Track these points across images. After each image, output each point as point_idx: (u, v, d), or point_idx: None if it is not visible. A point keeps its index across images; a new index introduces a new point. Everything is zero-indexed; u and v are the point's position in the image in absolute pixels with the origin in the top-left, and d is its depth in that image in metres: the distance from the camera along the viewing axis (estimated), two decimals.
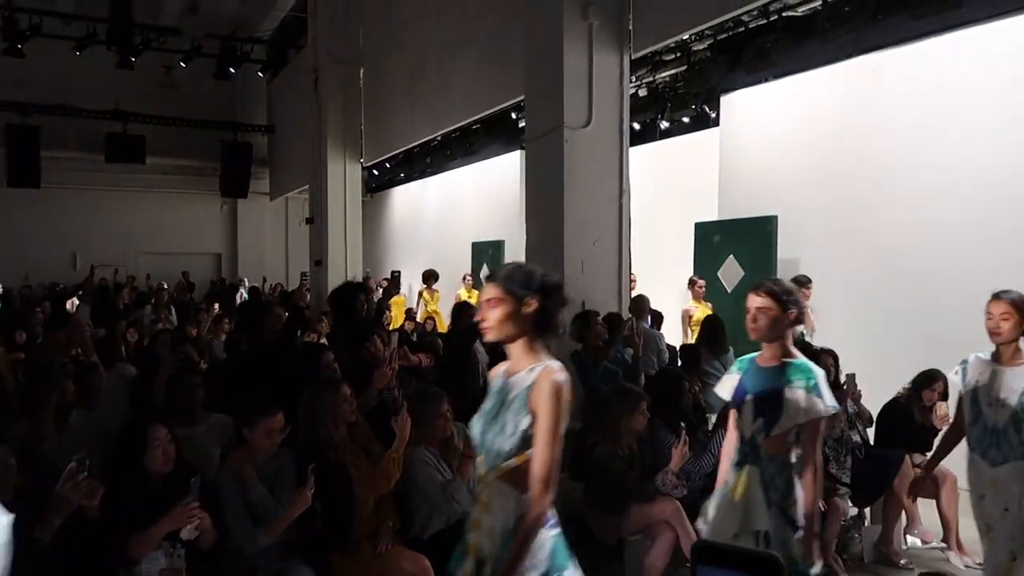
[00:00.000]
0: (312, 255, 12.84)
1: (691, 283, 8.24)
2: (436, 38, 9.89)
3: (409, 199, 16.83)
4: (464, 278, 12.17)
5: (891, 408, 5.01)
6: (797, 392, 2.70)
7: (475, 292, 11.01)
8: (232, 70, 15.69)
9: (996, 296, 3.44)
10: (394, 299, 12.05)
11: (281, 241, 19.30)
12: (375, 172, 15.68)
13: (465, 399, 4.62)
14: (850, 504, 4.85)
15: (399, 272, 13.51)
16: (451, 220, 14.73)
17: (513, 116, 9.90)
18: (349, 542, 3.28)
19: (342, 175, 12.15)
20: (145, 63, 14.94)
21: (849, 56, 7.37)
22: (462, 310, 5.11)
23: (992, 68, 6.25)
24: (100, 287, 14.45)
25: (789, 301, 2.76)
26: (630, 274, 6.74)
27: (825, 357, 4.90)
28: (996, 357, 3.46)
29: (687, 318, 7.92)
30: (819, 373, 2.75)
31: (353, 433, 3.53)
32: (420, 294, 12.57)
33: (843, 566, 4.48)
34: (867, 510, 5.00)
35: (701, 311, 7.78)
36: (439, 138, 12.23)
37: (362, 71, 12.34)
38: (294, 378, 3.79)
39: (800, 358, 2.80)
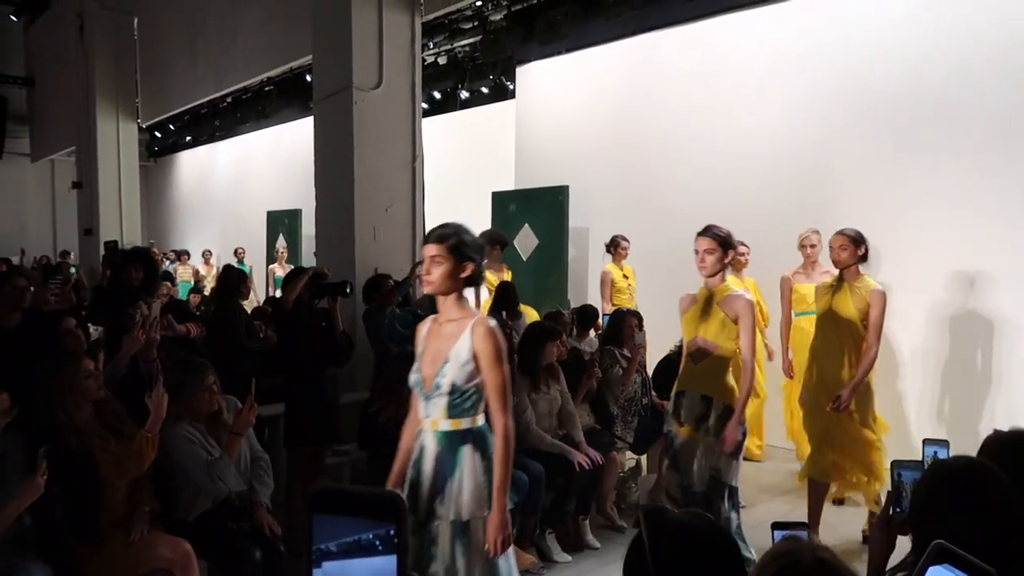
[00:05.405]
0: (81, 224, 11.57)
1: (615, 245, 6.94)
2: None
3: (198, 165, 15.66)
4: (203, 253, 13.14)
5: (665, 364, 5.33)
6: None
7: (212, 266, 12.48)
8: None
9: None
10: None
11: (47, 208, 17.21)
12: (157, 134, 14.46)
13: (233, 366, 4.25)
14: (628, 456, 5.15)
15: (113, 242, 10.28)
16: (244, 188, 13.90)
17: (308, 78, 9.45)
18: (95, 532, 2.94)
19: (115, 135, 11.00)
20: None
21: (634, 33, 7.73)
22: (228, 275, 4.79)
23: (758, 49, 6.80)
24: None
25: None
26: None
27: (630, 318, 5.14)
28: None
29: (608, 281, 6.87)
30: None
31: (100, 412, 3.15)
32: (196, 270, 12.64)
33: (619, 514, 4.75)
34: (643, 460, 5.33)
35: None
36: (229, 99, 11.46)
37: (136, 20, 11.20)
38: (28, 352, 3.33)
39: None
